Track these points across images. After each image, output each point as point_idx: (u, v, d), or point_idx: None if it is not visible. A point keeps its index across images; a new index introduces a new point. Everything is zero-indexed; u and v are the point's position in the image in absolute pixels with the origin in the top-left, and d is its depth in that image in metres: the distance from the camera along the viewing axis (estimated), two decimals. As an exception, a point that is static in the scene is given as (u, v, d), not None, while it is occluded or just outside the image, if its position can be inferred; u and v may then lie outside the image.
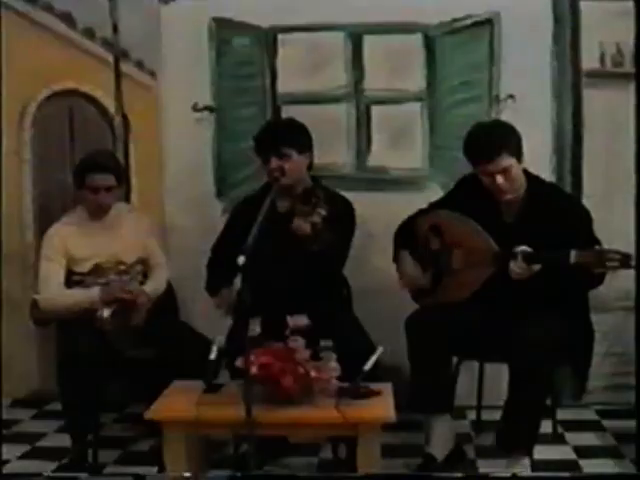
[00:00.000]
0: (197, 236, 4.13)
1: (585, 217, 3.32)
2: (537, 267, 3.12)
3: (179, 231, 4.24)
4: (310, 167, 3.63)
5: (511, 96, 4.05)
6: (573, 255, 3.05)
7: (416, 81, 4.12)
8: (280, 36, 4.15)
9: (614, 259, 3.01)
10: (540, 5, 4.02)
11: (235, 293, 3.42)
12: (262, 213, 2.95)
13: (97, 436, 3.56)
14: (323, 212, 3.24)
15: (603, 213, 3.86)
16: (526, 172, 3.36)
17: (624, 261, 3.00)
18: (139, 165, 4.26)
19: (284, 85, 4.17)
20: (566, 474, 3.40)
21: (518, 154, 3.27)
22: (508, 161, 3.24)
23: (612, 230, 3.71)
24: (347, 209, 3.59)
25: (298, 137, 3.57)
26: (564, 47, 4.05)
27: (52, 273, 3.59)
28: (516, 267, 3.15)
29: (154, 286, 3.75)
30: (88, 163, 3.63)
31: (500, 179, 3.25)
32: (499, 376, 3.71)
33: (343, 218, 3.50)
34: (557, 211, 3.28)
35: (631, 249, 3.35)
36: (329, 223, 3.26)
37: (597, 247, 3.10)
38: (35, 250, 4.05)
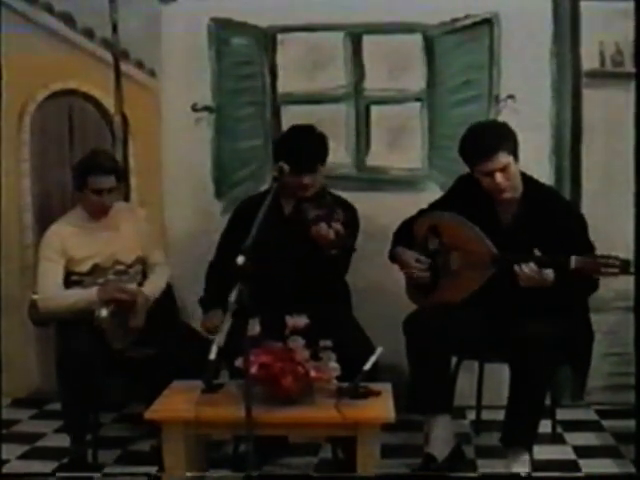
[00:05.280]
0: (197, 236, 4.13)
1: (580, 222, 3.33)
2: (549, 273, 3.08)
3: (179, 231, 4.24)
4: None
5: (511, 96, 4.05)
6: (573, 261, 3.06)
7: (416, 81, 4.12)
8: (280, 36, 4.14)
9: (614, 265, 3.01)
10: (540, 5, 4.02)
11: (224, 318, 3.49)
12: (261, 214, 2.94)
13: (97, 436, 3.57)
14: (340, 216, 3.25)
15: (603, 213, 3.88)
16: (522, 174, 3.36)
17: (623, 267, 3.01)
18: (139, 165, 4.25)
19: (284, 85, 4.17)
20: (566, 474, 3.40)
21: (515, 153, 3.28)
22: (506, 158, 3.25)
23: (612, 230, 3.72)
24: (352, 213, 3.60)
25: (325, 150, 3.57)
26: (564, 47, 4.05)
27: (51, 273, 3.59)
28: (527, 269, 3.11)
29: (153, 286, 3.74)
30: (90, 165, 3.61)
31: (499, 177, 3.25)
32: (499, 376, 3.73)
33: (351, 223, 3.51)
34: (553, 215, 3.29)
35: (630, 249, 3.36)
36: (346, 227, 3.27)
37: (597, 253, 3.11)
38: (35, 250, 4.05)
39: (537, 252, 3.12)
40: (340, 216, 3.24)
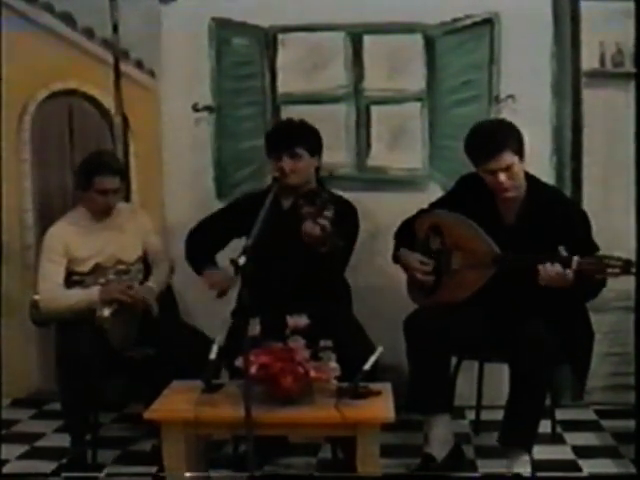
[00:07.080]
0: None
1: (584, 222, 3.32)
2: (569, 273, 3.05)
3: (179, 231, 4.22)
4: (318, 170, 3.65)
5: (511, 96, 4.05)
6: (575, 261, 3.05)
7: (416, 81, 4.12)
8: (280, 36, 4.15)
9: (615, 265, 3.00)
10: (540, 5, 4.01)
11: (222, 273, 3.53)
12: (263, 213, 2.94)
13: (96, 436, 3.57)
14: (330, 214, 3.24)
15: (603, 213, 3.88)
16: (526, 173, 3.36)
17: (625, 267, 3.00)
18: (139, 165, 4.25)
19: (284, 85, 4.17)
20: (566, 474, 3.40)
21: (520, 152, 3.27)
22: (511, 158, 3.24)
23: (612, 230, 3.71)
24: (351, 212, 3.60)
25: (311, 139, 3.60)
26: (564, 47, 4.05)
27: (52, 273, 3.59)
28: (551, 270, 3.07)
29: (157, 282, 3.74)
30: (96, 165, 3.60)
31: (503, 177, 3.25)
32: (499, 376, 3.73)
33: (347, 220, 3.50)
34: (557, 214, 3.28)
35: (631, 249, 3.36)
36: (336, 225, 3.26)
37: (599, 254, 3.10)
38: (35, 250, 4.05)
39: (562, 251, 3.08)
40: (329, 213, 3.22)
